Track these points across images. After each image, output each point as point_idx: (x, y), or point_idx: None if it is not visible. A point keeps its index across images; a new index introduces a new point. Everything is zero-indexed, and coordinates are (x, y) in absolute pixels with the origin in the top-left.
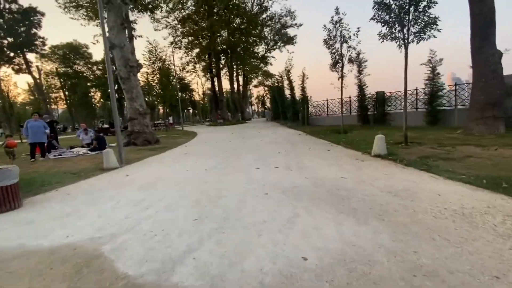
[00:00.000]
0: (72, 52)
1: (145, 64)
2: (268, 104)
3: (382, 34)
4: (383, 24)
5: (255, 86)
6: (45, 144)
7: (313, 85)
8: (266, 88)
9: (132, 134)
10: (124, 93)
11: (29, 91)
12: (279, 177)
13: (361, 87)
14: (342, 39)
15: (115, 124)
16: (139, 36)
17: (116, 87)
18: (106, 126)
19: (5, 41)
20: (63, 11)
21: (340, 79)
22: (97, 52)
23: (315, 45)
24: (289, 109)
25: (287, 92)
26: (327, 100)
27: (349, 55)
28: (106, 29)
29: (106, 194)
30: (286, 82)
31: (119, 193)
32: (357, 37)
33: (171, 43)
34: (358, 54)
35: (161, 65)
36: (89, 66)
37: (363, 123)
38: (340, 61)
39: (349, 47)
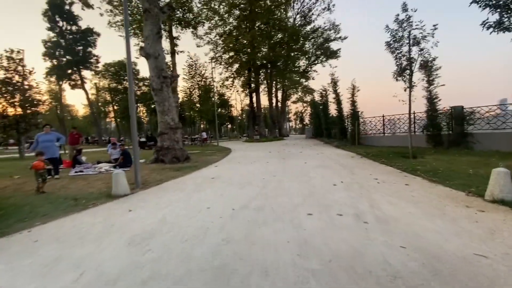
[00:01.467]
0: (122, 69)
1: (184, 78)
2: (306, 120)
3: (488, 24)
4: (492, 8)
5: (294, 102)
6: (58, 159)
7: (360, 101)
8: (305, 104)
9: (161, 150)
10: (156, 106)
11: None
12: (352, 242)
13: (431, 100)
14: (411, 41)
15: (132, 139)
16: (181, 52)
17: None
18: (143, 139)
19: (64, 59)
20: (115, 29)
21: (408, 90)
22: (145, 69)
23: (360, 59)
24: (335, 126)
25: (331, 107)
26: (383, 116)
27: (422, 60)
28: (134, 40)
29: (76, 254)
30: (331, 96)
31: (100, 249)
32: (433, 37)
33: (212, 58)
34: (434, 58)
35: (201, 80)
36: (136, 82)
37: (434, 145)
38: (408, 67)
39: (421, 50)
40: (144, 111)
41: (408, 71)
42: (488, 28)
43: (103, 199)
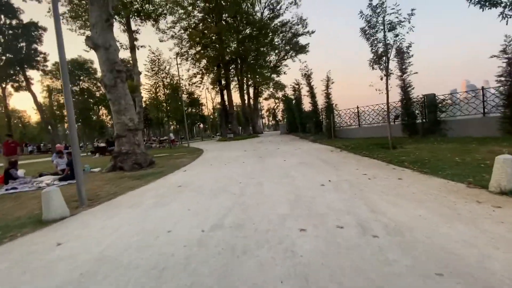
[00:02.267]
0: (77, 69)
1: (147, 75)
2: (279, 116)
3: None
4: None
5: (266, 99)
6: None
7: (333, 94)
8: (277, 100)
9: (119, 156)
10: (110, 105)
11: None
12: (369, 272)
13: (405, 89)
14: (386, 27)
15: (71, 144)
16: (141, 46)
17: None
18: (102, 144)
19: (3, 57)
20: (62, 21)
21: (385, 78)
22: None
23: (328, 52)
24: (309, 120)
25: (305, 101)
26: (357, 108)
27: (397, 47)
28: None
29: None
30: (305, 89)
31: None
32: (409, 22)
33: (177, 54)
34: (410, 44)
35: (166, 76)
36: (94, 82)
37: (410, 134)
38: (384, 54)
39: (396, 35)
40: (106, 113)
41: (384, 58)
42: (475, 4)
43: (30, 227)
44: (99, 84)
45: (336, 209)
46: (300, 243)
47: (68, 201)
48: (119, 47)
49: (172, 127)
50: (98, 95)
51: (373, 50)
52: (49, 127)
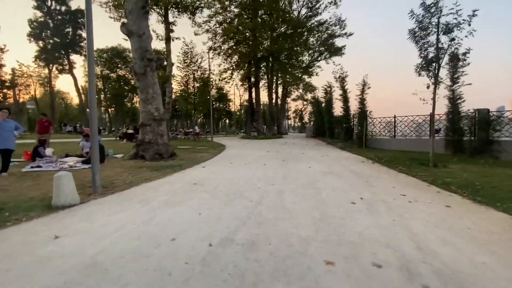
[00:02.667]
0: (116, 56)
1: (178, 67)
2: (306, 119)
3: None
4: None
5: (294, 100)
6: (11, 153)
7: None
8: (305, 102)
9: (141, 145)
10: (138, 93)
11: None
12: None
13: (454, 101)
14: (440, 29)
15: (90, 128)
16: (176, 38)
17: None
18: (130, 131)
19: (51, 41)
20: (106, 10)
21: (433, 86)
22: None
23: (365, 56)
24: (339, 126)
25: (336, 105)
26: (394, 117)
27: (452, 52)
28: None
29: None
30: (337, 93)
31: None
32: (469, 25)
33: (210, 48)
34: (468, 50)
35: (197, 69)
36: (130, 70)
37: (454, 151)
38: (435, 60)
39: (452, 39)
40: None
41: (435, 65)
42: None
43: (38, 211)
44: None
45: (372, 238)
46: (326, 282)
47: (83, 186)
48: (155, 37)
49: (199, 120)
50: (133, 82)
51: (422, 55)
52: (87, 110)
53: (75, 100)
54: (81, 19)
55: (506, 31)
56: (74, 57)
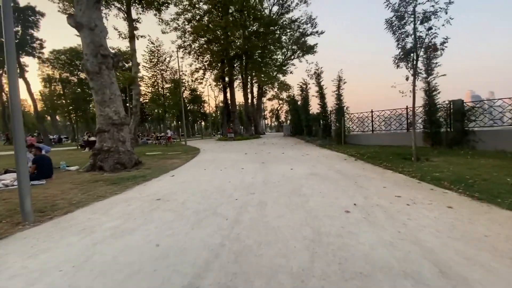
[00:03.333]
0: (76, 58)
1: (144, 66)
2: (282, 118)
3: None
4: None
5: (269, 99)
6: None
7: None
8: (281, 101)
9: (99, 154)
10: (93, 94)
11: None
12: None
13: (430, 93)
14: (416, 18)
15: (14, 135)
16: (141, 37)
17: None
18: (93, 138)
19: None
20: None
21: (412, 78)
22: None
23: (340, 53)
24: (316, 123)
25: (313, 102)
26: (371, 112)
27: (427, 42)
28: None
29: None
30: (313, 90)
31: None
32: (446, 13)
33: (179, 46)
34: (445, 39)
35: (165, 69)
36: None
37: (432, 144)
38: (413, 50)
39: (429, 29)
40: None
41: (413, 55)
42: None
43: None
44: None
45: (383, 264)
46: None
47: (15, 212)
48: (117, 35)
49: (173, 123)
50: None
51: (400, 45)
52: (48, 117)
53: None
54: (32, 17)
55: (483, 19)
56: (26, 60)
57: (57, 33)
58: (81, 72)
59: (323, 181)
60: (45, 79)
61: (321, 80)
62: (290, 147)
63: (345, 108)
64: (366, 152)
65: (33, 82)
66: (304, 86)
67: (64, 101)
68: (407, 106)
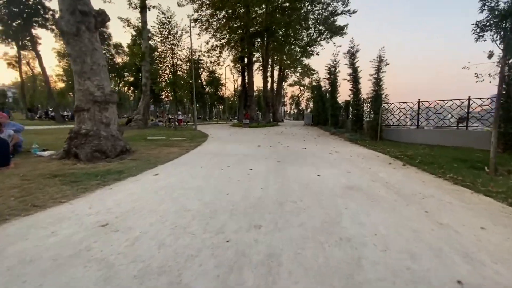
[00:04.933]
0: None
1: (154, 39)
2: (303, 105)
3: None
4: None
5: (290, 85)
6: None
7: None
8: (302, 88)
9: (76, 138)
10: (71, 62)
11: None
12: None
13: (510, 80)
14: None
15: None
16: (153, 7)
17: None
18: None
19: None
20: None
21: (503, 52)
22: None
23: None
24: (344, 113)
25: (342, 88)
26: (419, 102)
27: None
28: None
29: None
30: (344, 73)
31: None
32: None
33: (195, 20)
34: None
35: (176, 44)
36: (107, 48)
37: (504, 148)
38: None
39: None
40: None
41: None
42: None
43: None
44: (113, 51)
45: None
46: None
47: None
48: (126, 4)
49: (187, 105)
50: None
51: (488, 5)
52: (51, 93)
53: (58, 83)
54: None
55: None
56: (40, 32)
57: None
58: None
59: (371, 204)
60: (60, 54)
61: (355, 60)
62: (313, 140)
63: (383, 96)
64: (416, 154)
65: (48, 56)
66: (333, 69)
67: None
68: (469, 96)
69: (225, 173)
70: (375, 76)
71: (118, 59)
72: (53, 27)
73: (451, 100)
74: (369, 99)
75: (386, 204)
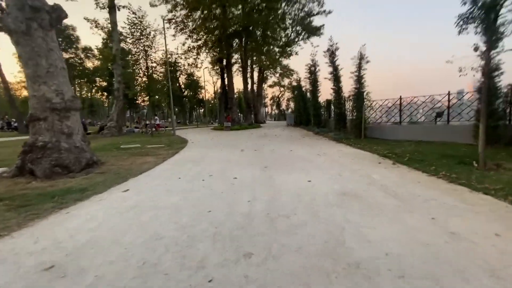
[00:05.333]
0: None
1: (125, 41)
2: (284, 106)
3: None
4: None
5: (270, 86)
6: None
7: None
8: (282, 88)
9: (31, 152)
10: (22, 65)
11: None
12: None
13: (490, 73)
14: None
15: None
16: (122, 7)
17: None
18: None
19: None
20: None
21: (486, 45)
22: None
23: (345, 36)
24: (326, 112)
25: (323, 88)
26: (400, 98)
27: None
28: None
29: None
30: (324, 72)
31: None
32: None
33: (169, 20)
34: None
35: (149, 46)
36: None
37: (488, 142)
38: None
39: None
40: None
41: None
42: None
43: None
44: (81, 55)
45: None
46: None
47: None
48: (93, 4)
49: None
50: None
51: None
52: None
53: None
54: None
55: None
56: None
57: None
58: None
59: (373, 213)
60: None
61: (335, 59)
62: (298, 141)
63: (365, 93)
64: (403, 152)
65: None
66: (313, 68)
67: None
68: (448, 91)
69: (206, 184)
70: (357, 73)
71: (89, 63)
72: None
73: (431, 95)
74: (351, 97)
75: (389, 212)
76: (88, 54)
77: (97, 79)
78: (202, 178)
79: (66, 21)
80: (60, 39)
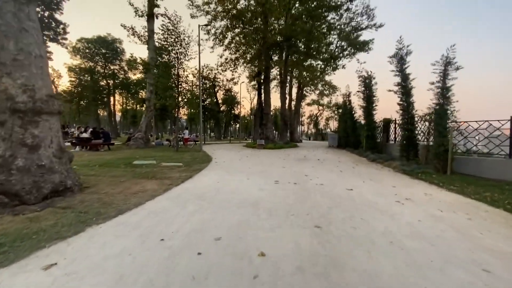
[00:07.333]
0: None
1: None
2: (321, 125)
3: None
4: None
5: (308, 104)
6: None
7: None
8: (321, 107)
9: None
10: None
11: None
12: None
13: None
14: None
15: None
16: (161, 15)
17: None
18: (85, 135)
19: None
20: None
21: None
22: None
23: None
24: (384, 134)
25: (381, 106)
26: (511, 119)
27: None
28: None
29: None
30: (384, 85)
31: None
32: None
33: (208, 31)
34: None
35: (183, 53)
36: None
37: None
38: None
39: None
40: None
41: None
42: None
43: None
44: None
45: None
46: None
47: None
48: (132, 11)
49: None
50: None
51: None
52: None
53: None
54: None
55: None
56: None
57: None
58: (110, 64)
59: None
60: (71, 69)
61: (405, 66)
62: (352, 171)
63: (452, 111)
64: None
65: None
66: (368, 81)
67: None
68: None
69: (200, 266)
70: (440, 85)
71: (133, 76)
72: (62, 41)
73: None
74: (427, 116)
75: None
76: (130, 66)
77: (140, 90)
78: (199, 250)
79: (113, 34)
80: (107, 51)
